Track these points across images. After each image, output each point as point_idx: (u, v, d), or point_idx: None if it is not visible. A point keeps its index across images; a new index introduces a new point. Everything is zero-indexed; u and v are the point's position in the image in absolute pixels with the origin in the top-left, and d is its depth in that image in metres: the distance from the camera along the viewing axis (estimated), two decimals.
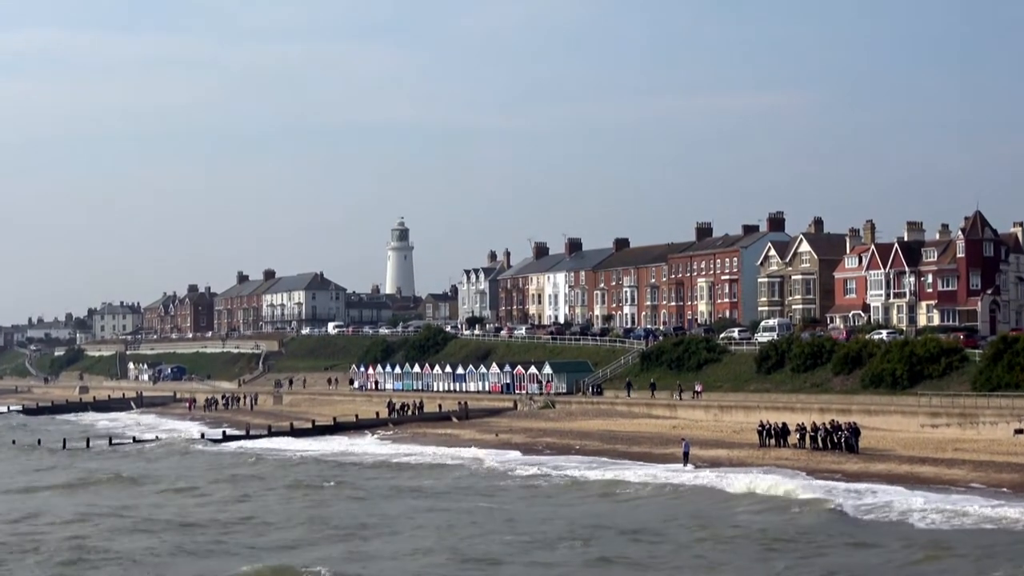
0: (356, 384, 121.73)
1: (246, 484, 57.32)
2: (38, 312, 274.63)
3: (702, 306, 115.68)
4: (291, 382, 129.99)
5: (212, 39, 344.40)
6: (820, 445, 60.21)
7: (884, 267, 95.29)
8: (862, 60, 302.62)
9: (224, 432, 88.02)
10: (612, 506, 47.67)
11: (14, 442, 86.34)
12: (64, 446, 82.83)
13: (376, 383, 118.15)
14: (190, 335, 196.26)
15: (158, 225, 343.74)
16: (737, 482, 50.97)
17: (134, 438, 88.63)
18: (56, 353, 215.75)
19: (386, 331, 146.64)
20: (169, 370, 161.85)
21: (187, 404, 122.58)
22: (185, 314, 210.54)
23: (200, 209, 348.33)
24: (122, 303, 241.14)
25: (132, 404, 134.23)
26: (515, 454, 67.14)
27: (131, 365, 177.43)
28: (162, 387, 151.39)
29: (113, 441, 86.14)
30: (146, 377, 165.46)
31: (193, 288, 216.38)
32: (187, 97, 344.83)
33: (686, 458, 58.81)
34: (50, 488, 58.12)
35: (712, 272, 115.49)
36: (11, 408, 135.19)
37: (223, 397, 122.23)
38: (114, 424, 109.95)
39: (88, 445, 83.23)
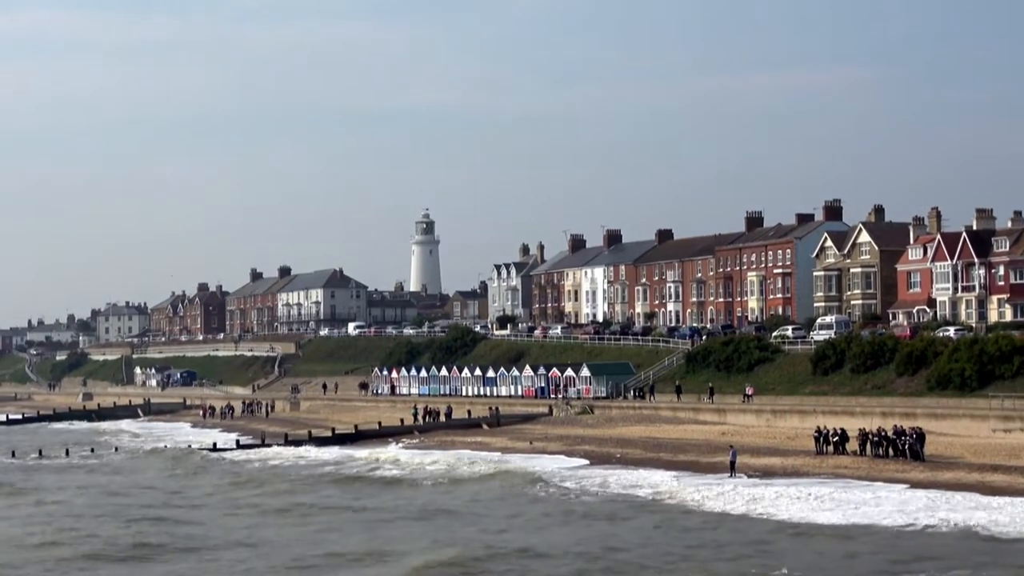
0: (370, 390, 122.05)
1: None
2: (38, 314, 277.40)
3: (753, 302, 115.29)
4: (324, 387, 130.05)
5: (221, 20, 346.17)
6: (882, 452, 59.89)
7: (951, 258, 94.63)
8: (925, 34, 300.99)
9: (238, 441, 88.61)
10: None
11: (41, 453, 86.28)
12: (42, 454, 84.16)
13: (393, 387, 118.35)
14: (200, 337, 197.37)
15: (166, 220, 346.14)
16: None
17: (116, 448, 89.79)
18: (58, 357, 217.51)
19: (411, 332, 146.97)
20: (178, 375, 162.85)
21: (201, 411, 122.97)
22: (195, 315, 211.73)
23: (210, 202, 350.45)
24: (128, 303, 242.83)
25: (139, 411, 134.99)
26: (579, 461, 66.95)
27: (138, 370, 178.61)
28: (171, 393, 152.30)
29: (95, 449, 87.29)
30: (154, 383, 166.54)
31: (203, 287, 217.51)
32: (195, 84, 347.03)
33: (733, 468, 58.54)
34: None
35: (763, 265, 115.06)
36: (9, 417, 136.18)
37: (243, 403, 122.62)
38: (112, 432, 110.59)
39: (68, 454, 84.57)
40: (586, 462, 66.59)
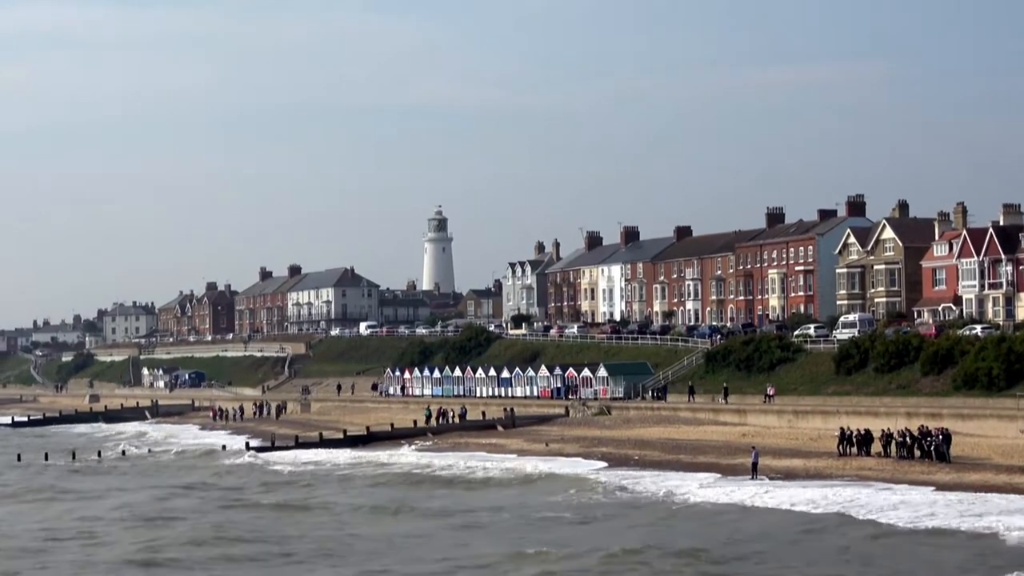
0: (379, 390, 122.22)
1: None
2: (44, 314, 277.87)
3: (774, 300, 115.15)
4: (338, 388, 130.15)
5: (227, 13, 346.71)
6: (907, 453, 59.80)
7: (978, 255, 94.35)
8: (951, 26, 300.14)
9: (245, 442, 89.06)
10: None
11: (74, 456, 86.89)
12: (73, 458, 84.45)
13: (403, 388, 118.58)
14: (209, 337, 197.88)
15: (173, 218, 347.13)
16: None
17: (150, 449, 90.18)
18: (64, 359, 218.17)
19: (423, 331, 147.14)
20: (187, 376, 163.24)
21: (211, 413, 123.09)
22: (204, 315, 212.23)
23: (219, 200, 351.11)
24: (135, 303, 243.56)
25: (146, 413, 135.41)
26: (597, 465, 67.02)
27: (145, 371, 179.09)
28: (179, 395, 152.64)
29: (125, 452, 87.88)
30: (162, 384, 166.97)
31: (212, 286, 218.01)
32: (202, 77, 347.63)
33: (754, 469, 58.59)
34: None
35: (785, 262, 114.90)
36: (15, 419, 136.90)
37: (255, 405, 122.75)
38: (123, 434, 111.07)
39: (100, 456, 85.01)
40: (604, 464, 66.61)
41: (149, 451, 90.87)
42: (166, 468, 78.09)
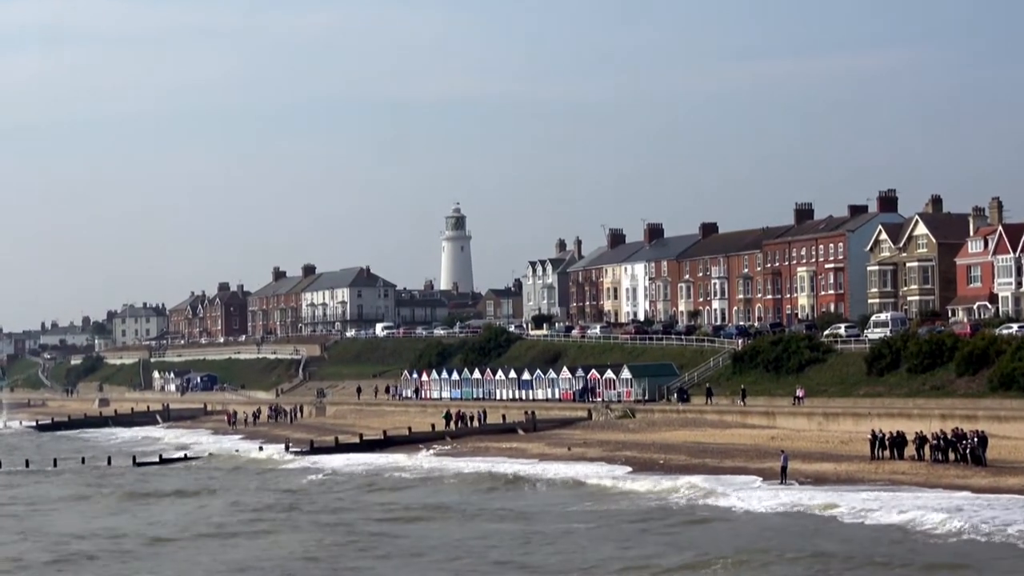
0: (392, 393, 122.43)
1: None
2: (52, 316, 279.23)
3: (803, 299, 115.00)
4: (358, 391, 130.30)
5: (239, 6, 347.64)
6: (941, 457, 59.69)
7: (1014, 251, 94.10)
8: (984, 13, 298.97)
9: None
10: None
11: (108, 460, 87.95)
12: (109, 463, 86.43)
13: (417, 391, 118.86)
14: (221, 339, 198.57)
15: (184, 216, 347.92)
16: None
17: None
18: (73, 362, 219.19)
19: (441, 332, 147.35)
20: (198, 379, 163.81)
21: (225, 417, 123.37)
22: (216, 316, 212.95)
23: (230, 198, 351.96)
24: (145, 304, 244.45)
25: (158, 417, 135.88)
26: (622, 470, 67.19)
27: (156, 374, 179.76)
28: (191, 398, 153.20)
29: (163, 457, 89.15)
30: (173, 387, 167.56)
31: (224, 287, 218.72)
32: (213, 73, 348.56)
33: (784, 473, 58.68)
34: None
35: (814, 260, 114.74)
36: (39, 422, 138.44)
37: (271, 408, 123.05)
38: (142, 440, 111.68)
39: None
40: (629, 469, 66.65)
41: (186, 456, 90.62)
42: (223, 471, 79.52)
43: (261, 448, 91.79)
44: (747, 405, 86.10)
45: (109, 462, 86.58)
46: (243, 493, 66.90)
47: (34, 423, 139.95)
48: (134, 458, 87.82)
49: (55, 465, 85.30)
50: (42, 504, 64.89)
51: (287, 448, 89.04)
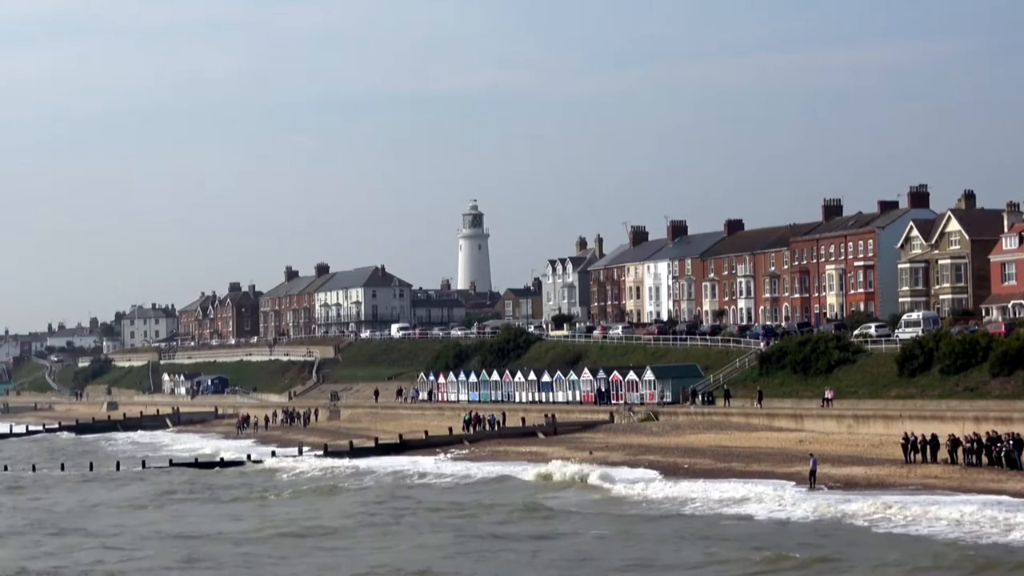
0: (403, 396, 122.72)
1: None
2: (59, 318, 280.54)
3: (831, 298, 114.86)
4: (376, 394, 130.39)
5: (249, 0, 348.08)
6: (975, 460, 59.60)
7: None
8: (1016, 1, 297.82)
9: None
10: None
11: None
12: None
13: (430, 394, 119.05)
14: (232, 341, 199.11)
15: (193, 215, 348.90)
16: None
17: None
18: (80, 364, 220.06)
19: (459, 333, 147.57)
20: (209, 382, 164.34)
21: (238, 422, 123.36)
22: (226, 317, 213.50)
23: (241, 196, 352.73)
24: (154, 306, 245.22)
25: (167, 421, 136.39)
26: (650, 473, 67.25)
27: (165, 376, 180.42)
28: (201, 401, 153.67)
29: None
30: (183, 390, 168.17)
31: (235, 287, 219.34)
32: (223, 68, 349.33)
33: (813, 478, 58.67)
34: None
35: (843, 257, 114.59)
36: (62, 423, 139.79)
37: (284, 412, 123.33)
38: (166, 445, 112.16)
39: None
40: (656, 474, 66.57)
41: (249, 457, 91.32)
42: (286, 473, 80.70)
43: (300, 451, 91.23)
44: (763, 407, 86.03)
45: (170, 463, 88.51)
46: (356, 493, 68.15)
47: (41, 427, 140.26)
48: (196, 459, 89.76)
49: (118, 469, 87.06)
50: (137, 505, 66.86)
51: (326, 452, 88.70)
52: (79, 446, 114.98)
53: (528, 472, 71.25)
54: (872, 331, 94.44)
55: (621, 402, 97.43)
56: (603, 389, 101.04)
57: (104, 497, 70.98)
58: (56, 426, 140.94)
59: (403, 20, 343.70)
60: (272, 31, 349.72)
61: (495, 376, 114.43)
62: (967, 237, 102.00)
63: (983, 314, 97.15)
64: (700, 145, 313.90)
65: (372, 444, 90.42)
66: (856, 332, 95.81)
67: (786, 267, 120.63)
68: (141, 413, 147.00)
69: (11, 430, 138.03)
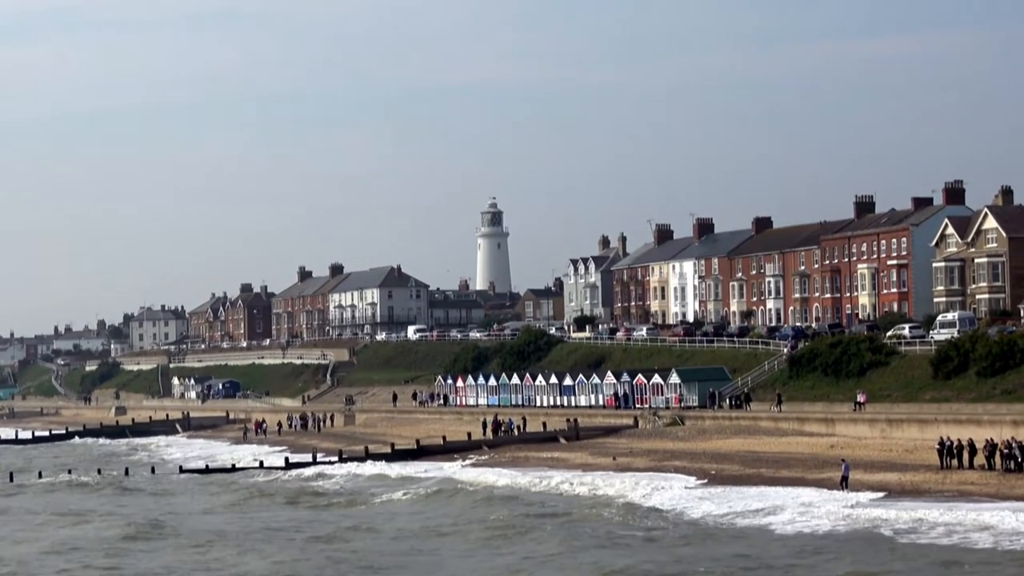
0: (418, 400, 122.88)
1: None
2: (66, 320, 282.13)
3: (864, 298, 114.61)
4: (394, 397, 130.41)
5: None
6: (1014, 466, 59.38)
7: None
8: None
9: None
10: None
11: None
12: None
13: (446, 398, 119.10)
14: (244, 344, 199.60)
15: (203, 214, 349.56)
16: None
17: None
18: (88, 368, 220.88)
19: (478, 335, 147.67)
20: (220, 386, 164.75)
21: (254, 426, 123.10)
22: (238, 319, 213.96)
23: (253, 193, 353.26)
24: (163, 307, 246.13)
25: (177, 427, 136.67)
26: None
27: (175, 380, 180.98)
28: (212, 406, 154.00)
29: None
30: (193, 394, 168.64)
31: (247, 288, 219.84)
32: (235, 60, 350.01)
33: (844, 483, 58.63)
34: None
35: (876, 256, 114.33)
36: (86, 427, 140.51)
37: (300, 417, 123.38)
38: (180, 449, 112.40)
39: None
40: (695, 480, 66.26)
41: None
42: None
43: (343, 458, 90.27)
44: (785, 412, 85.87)
45: (233, 468, 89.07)
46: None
47: (47, 432, 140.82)
48: (233, 465, 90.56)
49: (180, 472, 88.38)
50: (213, 508, 68.23)
51: (367, 453, 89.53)
52: (102, 449, 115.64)
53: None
54: (906, 332, 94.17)
55: (646, 406, 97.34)
56: (627, 393, 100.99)
57: (211, 502, 71.15)
58: (63, 431, 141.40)
59: (419, 11, 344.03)
60: (286, 26, 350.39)
61: (515, 379, 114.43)
62: (1004, 235, 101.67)
63: (1021, 314, 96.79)
64: (727, 140, 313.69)
65: (388, 450, 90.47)
66: (889, 333, 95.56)
67: (816, 266, 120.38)
68: (150, 418, 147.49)
69: (16, 435, 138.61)
